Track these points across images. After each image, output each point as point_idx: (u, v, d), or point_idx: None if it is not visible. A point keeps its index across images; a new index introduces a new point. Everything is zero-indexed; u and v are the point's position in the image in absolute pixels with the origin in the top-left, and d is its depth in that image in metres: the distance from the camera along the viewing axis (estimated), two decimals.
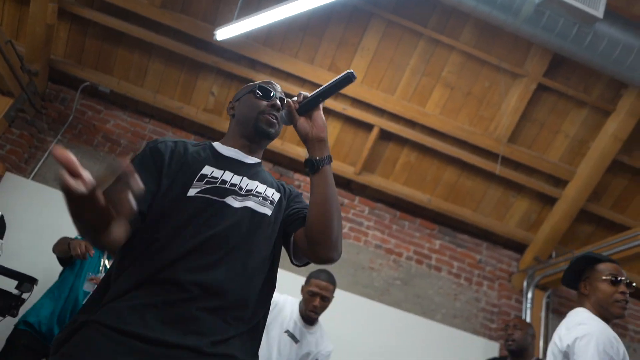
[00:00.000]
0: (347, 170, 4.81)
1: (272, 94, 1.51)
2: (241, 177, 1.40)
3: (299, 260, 1.44)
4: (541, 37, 3.88)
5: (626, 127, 4.40)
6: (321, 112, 1.38)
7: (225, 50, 4.45)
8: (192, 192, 1.31)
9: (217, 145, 1.50)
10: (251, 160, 1.49)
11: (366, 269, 4.69)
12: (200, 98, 4.72)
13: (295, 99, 1.39)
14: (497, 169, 4.58)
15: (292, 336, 2.89)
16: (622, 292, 2.06)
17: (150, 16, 4.38)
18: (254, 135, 1.49)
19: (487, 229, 5.01)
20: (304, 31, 4.46)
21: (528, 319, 4.63)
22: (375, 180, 4.85)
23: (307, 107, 1.36)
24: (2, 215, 2.84)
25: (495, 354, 4.59)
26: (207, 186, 1.33)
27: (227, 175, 1.38)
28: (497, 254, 5.10)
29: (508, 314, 4.78)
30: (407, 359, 4.33)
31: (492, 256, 5.09)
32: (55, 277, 3.14)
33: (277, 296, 2.91)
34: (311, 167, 1.34)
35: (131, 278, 1.22)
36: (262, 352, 2.59)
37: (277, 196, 1.46)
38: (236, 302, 1.26)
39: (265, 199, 1.41)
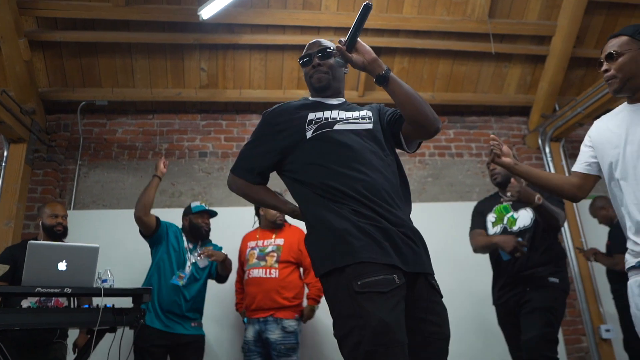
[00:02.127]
0: (351, 95, 5.00)
1: (312, 56, 1.88)
2: (338, 111, 1.81)
3: (411, 146, 1.85)
4: None
5: None
6: (361, 42, 1.68)
7: (200, 24, 4.47)
8: (309, 134, 1.74)
9: (311, 98, 1.94)
10: (337, 101, 1.91)
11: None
12: (193, 78, 4.80)
13: (338, 45, 1.69)
14: (492, 48, 4.78)
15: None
16: None
17: (117, 17, 4.36)
18: (317, 92, 1.91)
19: (490, 104, 5.32)
20: None
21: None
22: (378, 95, 5.06)
23: (351, 44, 1.66)
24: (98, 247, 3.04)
25: None
26: (316, 125, 1.75)
27: (327, 113, 1.79)
28: (506, 124, 5.45)
29: None
30: (460, 244, 4.77)
31: (503, 127, 5.43)
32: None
33: None
34: (382, 80, 1.66)
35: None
36: None
37: (369, 113, 1.85)
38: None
39: (362, 118, 1.81)
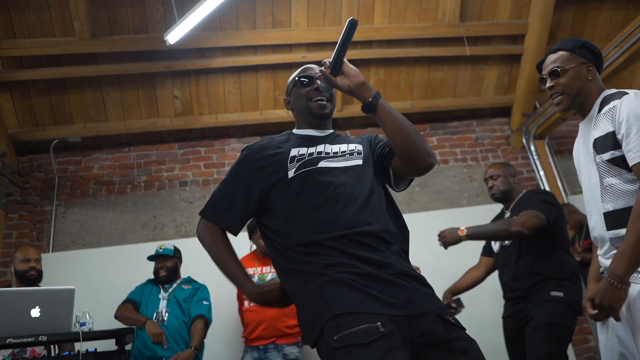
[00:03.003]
0: None
1: (313, 78, 1.64)
2: (324, 144, 1.61)
3: (400, 184, 1.65)
4: None
5: None
6: (348, 63, 1.53)
7: (170, 51, 4.40)
8: (290, 173, 1.53)
9: (296, 131, 1.72)
10: (325, 133, 1.69)
11: None
12: (167, 106, 4.70)
13: (322, 68, 1.54)
14: (467, 50, 4.75)
15: None
16: None
17: (83, 51, 4.27)
18: (314, 120, 1.68)
19: (470, 108, 5.28)
20: (234, 1, 4.41)
21: (540, 169, 4.99)
22: (357, 109, 4.95)
23: (336, 66, 1.50)
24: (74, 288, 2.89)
25: None
26: (299, 163, 1.54)
27: (312, 150, 1.59)
28: (488, 126, 5.40)
29: (521, 172, 5.12)
30: (453, 253, 4.66)
31: (485, 129, 5.38)
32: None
33: None
34: (370, 108, 1.48)
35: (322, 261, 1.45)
36: None
37: (359, 147, 1.64)
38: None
39: (351, 153, 1.60)
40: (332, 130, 1.72)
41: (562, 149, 5.38)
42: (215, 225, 1.57)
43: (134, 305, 3.46)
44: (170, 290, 3.50)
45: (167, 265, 3.52)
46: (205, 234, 1.57)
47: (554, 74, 1.84)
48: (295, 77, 1.70)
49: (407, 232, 1.60)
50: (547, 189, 4.88)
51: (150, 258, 3.61)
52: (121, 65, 4.39)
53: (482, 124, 5.40)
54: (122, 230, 4.47)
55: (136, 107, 4.66)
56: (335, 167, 1.54)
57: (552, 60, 1.86)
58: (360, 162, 1.59)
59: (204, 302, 3.44)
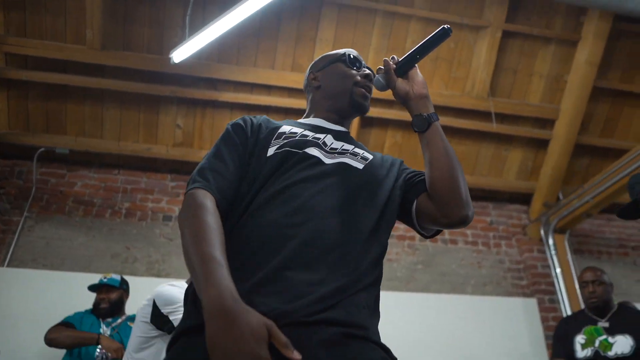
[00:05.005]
0: None
1: (363, 63, 1.38)
2: (325, 134, 1.26)
3: (426, 229, 1.27)
4: None
5: (597, 50, 4.38)
6: (418, 69, 1.30)
7: (180, 76, 4.18)
8: (270, 151, 1.18)
9: (301, 120, 1.38)
10: (337, 127, 1.33)
11: (385, 262, 4.47)
12: (166, 134, 4.42)
13: (388, 60, 1.30)
14: (494, 125, 4.47)
15: None
16: None
17: (91, 61, 4.06)
18: (348, 108, 1.34)
19: (488, 188, 4.91)
20: (257, 37, 4.24)
21: (556, 266, 4.52)
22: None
23: (406, 67, 1.28)
24: None
25: (535, 310, 4.46)
26: (286, 141, 1.20)
27: (308, 133, 1.25)
28: (505, 211, 5.00)
29: (535, 266, 4.66)
30: (452, 340, 4.13)
31: (501, 214, 4.98)
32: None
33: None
34: (422, 123, 1.24)
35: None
36: None
37: (369, 156, 1.28)
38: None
39: (355, 154, 1.25)
40: (348, 131, 1.36)
41: (583, 248, 4.93)
42: (202, 191, 1.08)
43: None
44: (113, 324, 3.05)
45: (111, 298, 3.12)
46: (202, 211, 1.02)
47: None
48: (341, 53, 1.38)
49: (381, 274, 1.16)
50: (563, 288, 4.40)
51: (91, 288, 3.19)
52: (127, 82, 4.16)
53: (499, 208, 5.00)
54: (90, 256, 4.05)
55: (135, 128, 4.38)
56: (323, 160, 1.18)
57: None
58: (359, 165, 1.22)
59: None
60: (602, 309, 3.00)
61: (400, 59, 1.29)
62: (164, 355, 2.02)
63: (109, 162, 4.45)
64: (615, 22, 4.34)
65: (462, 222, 1.18)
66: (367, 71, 1.35)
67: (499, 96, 4.61)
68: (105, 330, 2.99)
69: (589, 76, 4.44)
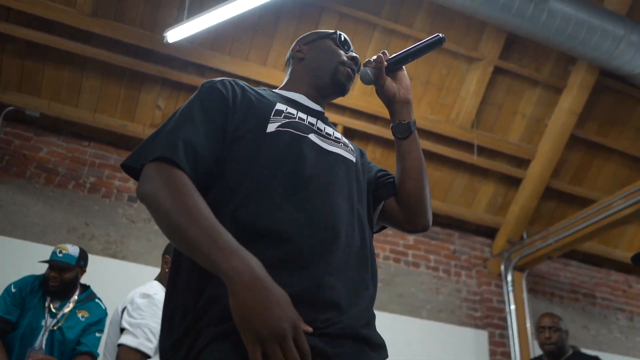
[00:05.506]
0: None
1: (351, 47, 1.33)
2: (315, 119, 1.21)
3: (376, 225, 1.30)
4: (499, 17, 3.87)
5: (580, 100, 4.52)
6: (405, 72, 1.29)
7: (169, 57, 4.07)
8: (271, 127, 1.10)
9: (279, 90, 1.31)
10: (317, 107, 1.28)
11: None
12: (145, 113, 4.28)
13: (374, 57, 1.27)
14: (474, 157, 4.53)
15: None
16: None
17: (79, 26, 3.90)
18: (329, 86, 1.28)
19: (457, 217, 4.97)
20: (253, 31, 4.17)
21: (511, 302, 4.61)
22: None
23: (395, 66, 1.26)
24: None
25: (485, 343, 4.54)
26: (287, 120, 1.12)
27: (302, 115, 1.18)
28: (469, 242, 5.07)
29: (490, 300, 4.74)
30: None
31: (465, 244, 5.04)
32: None
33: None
34: (404, 130, 1.24)
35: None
36: None
37: (350, 145, 1.27)
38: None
39: (345, 145, 1.22)
40: (323, 110, 1.30)
41: (538, 288, 5.05)
42: (176, 169, 0.95)
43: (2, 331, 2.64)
44: (58, 316, 2.71)
45: (64, 277, 2.72)
46: (169, 185, 0.93)
47: None
48: (332, 31, 1.33)
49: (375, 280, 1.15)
50: (514, 324, 4.49)
51: (45, 262, 2.79)
52: (113, 54, 4.02)
53: (464, 238, 5.07)
54: (45, 227, 3.86)
55: (113, 103, 4.23)
56: (329, 150, 1.14)
57: None
58: (353, 158, 1.20)
59: (97, 334, 2.76)
60: (557, 355, 3.10)
61: (391, 57, 1.26)
62: None
63: (80, 132, 4.27)
64: (600, 77, 4.49)
65: (424, 229, 1.26)
66: (355, 54, 1.31)
67: (481, 129, 4.68)
68: (48, 323, 2.69)
69: (569, 124, 4.57)
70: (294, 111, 1.17)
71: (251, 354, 0.77)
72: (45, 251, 3.43)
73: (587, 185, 5.06)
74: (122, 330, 1.98)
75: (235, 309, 0.80)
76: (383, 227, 1.34)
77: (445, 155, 4.67)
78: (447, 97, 4.55)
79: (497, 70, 4.50)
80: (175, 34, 3.34)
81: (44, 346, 2.61)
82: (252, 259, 0.84)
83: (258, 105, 1.13)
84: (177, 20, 3.87)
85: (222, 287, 0.84)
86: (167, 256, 2.23)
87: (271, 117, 1.11)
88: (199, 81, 4.15)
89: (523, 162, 4.82)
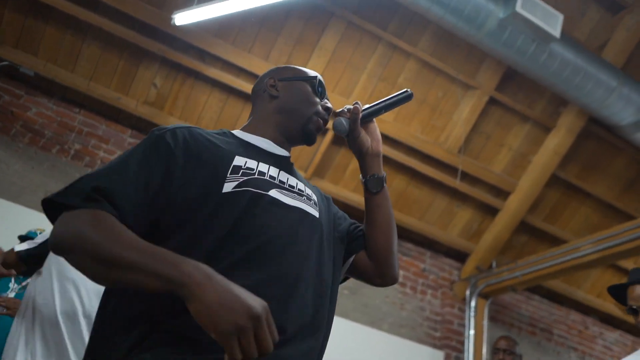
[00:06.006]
0: None
1: (326, 94, 1.29)
2: (278, 170, 1.15)
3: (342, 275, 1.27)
4: (501, 51, 3.96)
5: (565, 142, 4.64)
6: (376, 124, 1.30)
7: (173, 37, 4.07)
8: (227, 187, 1.02)
9: (239, 133, 1.23)
10: (283, 152, 1.23)
11: None
12: (140, 89, 4.27)
13: (349, 106, 1.26)
14: (457, 182, 4.62)
15: None
16: None
17: None
18: (298, 135, 1.23)
19: (431, 237, 5.05)
20: (260, 25, 4.19)
21: (471, 327, 4.71)
22: (325, 186, 4.69)
23: (368, 118, 1.27)
24: None
25: None
26: (245, 178, 1.05)
27: (263, 167, 1.11)
28: (439, 263, 5.16)
29: (451, 322, 4.84)
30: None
31: (435, 265, 5.14)
32: None
33: None
34: (377, 185, 1.25)
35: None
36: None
37: (315, 197, 1.22)
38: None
39: (309, 198, 1.17)
40: (289, 154, 1.26)
41: (499, 317, 5.17)
42: (100, 210, 0.89)
43: None
44: (24, 282, 2.70)
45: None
46: (80, 224, 0.87)
47: None
48: (312, 75, 1.27)
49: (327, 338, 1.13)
50: (471, 349, 4.59)
51: (21, 238, 2.72)
52: (117, 25, 4.00)
53: (435, 258, 5.16)
54: (22, 187, 3.83)
55: (110, 74, 4.21)
56: (290, 206, 1.08)
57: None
58: (317, 214, 1.15)
59: None
60: None
61: (365, 108, 1.26)
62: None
63: (72, 98, 4.24)
64: (589, 122, 4.62)
65: (393, 282, 1.26)
66: (329, 104, 1.27)
67: (467, 155, 4.77)
68: (14, 286, 2.70)
69: (551, 163, 4.69)
70: (253, 164, 1.10)
71: (230, 349, 0.73)
72: (19, 211, 3.43)
73: (560, 225, 5.20)
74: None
75: (200, 313, 0.75)
76: (346, 278, 1.31)
77: (428, 175, 4.75)
78: (439, 119, 4.63)
79: (491, 101, 4.59)
80: (183, 18, 3.35)
81: None
82: (201, 264, 0.80)
83: (214, 161, 1.05)
84: (186, 2, 3.88)
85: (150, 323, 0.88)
86: None
87: (228, 175, 1.04)
88: (198, 66, 4.17)
89: (502, 193, 4.93)
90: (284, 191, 1.10)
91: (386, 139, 4.61)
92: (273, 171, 1.13)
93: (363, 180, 1.27)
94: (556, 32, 3.78)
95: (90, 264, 0.86)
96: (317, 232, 1.11)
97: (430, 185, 4.87)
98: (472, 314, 4.76)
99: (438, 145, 4.68)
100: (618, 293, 2.05)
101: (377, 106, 1.27)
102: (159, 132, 1.05)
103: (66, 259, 0.89)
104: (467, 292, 4.89)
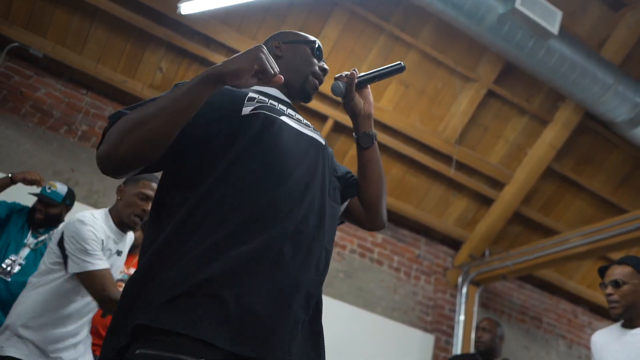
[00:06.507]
0: None
1: (322, 58, 1.44)
2: (286, 107, 1.31)
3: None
4: (500, 46, 4.03)
5: (561, 136, 4.72)
6: (370, 90, 1.44)
7: (179, 24, 4.15)
8: (245, 110, 1.19)
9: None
10: (289, 100, 1.39)
11: None
12: (146, 72, 4.37)
13: (346, 73, 1.39)
14: (452, 171, 4.72)
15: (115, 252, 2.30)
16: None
17: None
18: (297, 91, 1.39)
19: (426, 224, 5.18)
20: (265, 13, 4.27)
21: (462, 313, 4.87)
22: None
23: (364, 83, 1.40)
24: None
25: (430, 346, 4.80)
26: (259, 104, 1.21)
27: (274, 102, 1.28)
28: (434, 250, 5.30)
29: (443, 307, 4.99)
30: (348, 351, 4.38)
31: (430, 251, 5.27)
32: None
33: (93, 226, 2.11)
34: (368, 141, 1.39)
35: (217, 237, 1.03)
36: None
37: (318, 133, 1.37)
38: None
39: (314, 130, 1.33)
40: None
41: (489, 304, 5.32)
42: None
43: None
44: (41, 237, 2.90)
45: (49, 212, 2.90)
46: (120, 123, 1.06)
47: (615, 283, 2.13)
48: (311, 39, 1.43)
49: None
50: (461, 334, 4.76)
51: (34, 195, 2.98)
52: (124, 9, 4.08)
53: (430, 245, 5.29)
54: (31, 165, 3.97)
55: (117, 57, 4.31)
56: (301, 132, 1.25)
57: (617, 272, 2.15)
58: (322, 141, 1.32)
59: None
60: (487, 355, 3.37)
61: (360, 75, 1.39)
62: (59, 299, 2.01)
63: (80, 80, 4.35)
64: (585, 117, 4.70)
65: (381, 227, 1.44)
66: (326, 66, 1.43)
67: (464, 145, 4.87)
68: (31, 241, 2.87)
69: (547, 156, 4.78)
70: (265, 99, 1.26)
71: (258, 65, 1.03)
72: (27, 189, 3.56)
73: (554, 217, 5.31)
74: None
75: (225, 64, 1.03)
76: (341, 222, 1.45)
77: (426, 164, 4.85)
78: (437, 110, 4.72)
79: (490, 94, 4.67)
80: (189, 7, 3.44)
81: (23, 261, 2.78)
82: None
83: (230, 93, 1.21)
84: None
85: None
86: (122, 185, 2.26)
87: (245, 102, 1.20)
88: (203, 52, 4.27)
89: (498, 184, 5.03)
90: (293, 120, 1.26)
91: (385, 128, 4.71)
92: (282, 106, 1.29)
93: (356, 137, 1.41)
94: (554, 28, 3.84)
95: (143, 130, 1.02)
96: (323, 157, 1.27)
97: (427, 174, 4.98)
98: (463, 300, 4.91)
99: (436, 135, 4.78)
100: (603, 273, 2.22)
101: (372, 74, 1.40)
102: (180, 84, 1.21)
103: (127, 145, 1.03)
104: (460, 279, 5.04)
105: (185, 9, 3.48)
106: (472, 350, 4.73)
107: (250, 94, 1.25)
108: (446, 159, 4.83)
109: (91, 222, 2.06)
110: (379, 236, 5.08)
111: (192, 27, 4.17)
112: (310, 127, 1.32)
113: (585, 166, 5.09)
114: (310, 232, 1.13)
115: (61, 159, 4.09)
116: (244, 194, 1.07)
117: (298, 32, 1.47)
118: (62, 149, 4.14)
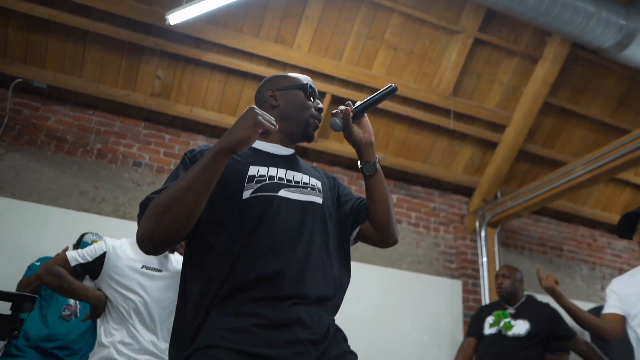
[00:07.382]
0: None
1: (317, 95, 1.59)
2: (285, 170, 1.45)
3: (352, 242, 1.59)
4: None
5: (553, 71, 4.82)
6: (367, 117, 1.52)
7: (167, 31, 4.29)
8: (246, 194, 1.35)
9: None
10: (288, 151, 1.54)
11: None
12: (145, 83, 4.55)
13: (342, 108, 1.49)
14: (451, 123, 4.87)
15: (150, 268, 2.41)
16: None
17: (79, 0, 4.10)
18: (299, 136, 1.54)
19: (437, 178, 5.37)
20: (247, 4, 4.38)
21: (484, 255, 5.09)
22: (330, 145, 4.99)
23: (360, 114, 1.49)
24: None
25: (459, 291, 5.05)
26: (258, 185, 1.37)
27: (273, 171, 1.42)
28: (448, 200, 5.50)
29: (465, 253, 5.22)
30: (384, 310, 4.65)
31: (444, 202, 5.47)
32: None
33: (107, 243, 2.41)
34: (371, 169, 1.48)
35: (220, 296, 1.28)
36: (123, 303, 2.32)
37: (318, 183, 1.51)
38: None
39: (312, 188, 1.46)
40: (294, 151, 1.58)
41: (509, 242, 5.53)
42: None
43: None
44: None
45: None
46: (148, 210, 1.26)
47: None
48: (304, 82, 1.55)
49: (348, 282, 1.51)
50: (486, 275, 4.98)
51: (83, 244, 3.21)
52: (113, 27, 4.24)
53: (443, 197, 5.49)
54: (58, 191, 4.22)
55: (114, 73, 4.49)
56: (295, 200, 1.40)
57: None
58: (319, 200, 1.46)
59: None
60: (510, 299, 3.54)
61: (355, 107, 1.48)
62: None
63: (85, 102, 4.54)
64: (573, 48, 4.78)
65: (394, 243, 1.54)
66: (321, 105, 1.55)
67: (460, 96, 5.00)
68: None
69: (542, 92, 4.89)
70: (264, 171, 1.41)
71: (261, 126, 1.24)
72: (59, 214, 3.82)
73: (559, 149, 5.45)
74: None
75: (231, 136, 1.22)
76: (355, 242, 1.59)
77: (426, 121, 5.01)
78: (429, 67, 4.84)
79: (477, 42, 4.77)
80: (177, 17, 3.58)
81: (79, 305, 3.06)
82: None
83: (232, 173, 1.37)
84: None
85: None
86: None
87: (245, 184, 1.37)
88: (195, 53, 4.41)
89: (499, 127, 5.18)
90: (291, 188, 1.41)
91: None
92: (281, 172, 1.43)
93: (360, 166, 1.51)
94: None
95: (173, 211, 1.20)
96: (321, 216, 1.43)
97: (429, 130, 5.14)
98: (484, 243, 5.13)
99: (431, 91, 4.91)
100: (628, 221, 2.42)
101: (366, 103, 1.49)
102: (190, 154, 1.43)
103: (159, 227, 1.22)
104: (477, 224, 5.24)
105: (173, 19, 3.61)
106: None
107: (251, 172, 1.40)
108: (444, 112, 4.97)
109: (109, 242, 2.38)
110: (394, 196, 5.28)
111: (181, 32, 4.31)
112: (307, 186, 1.45)
113: (581, 95, 5.19)
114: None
115: (83, 180, 4.32)
116: (242, 272, 1.29)
117: (289, 75, 1.59)
118: (82, 170, 4.36)
